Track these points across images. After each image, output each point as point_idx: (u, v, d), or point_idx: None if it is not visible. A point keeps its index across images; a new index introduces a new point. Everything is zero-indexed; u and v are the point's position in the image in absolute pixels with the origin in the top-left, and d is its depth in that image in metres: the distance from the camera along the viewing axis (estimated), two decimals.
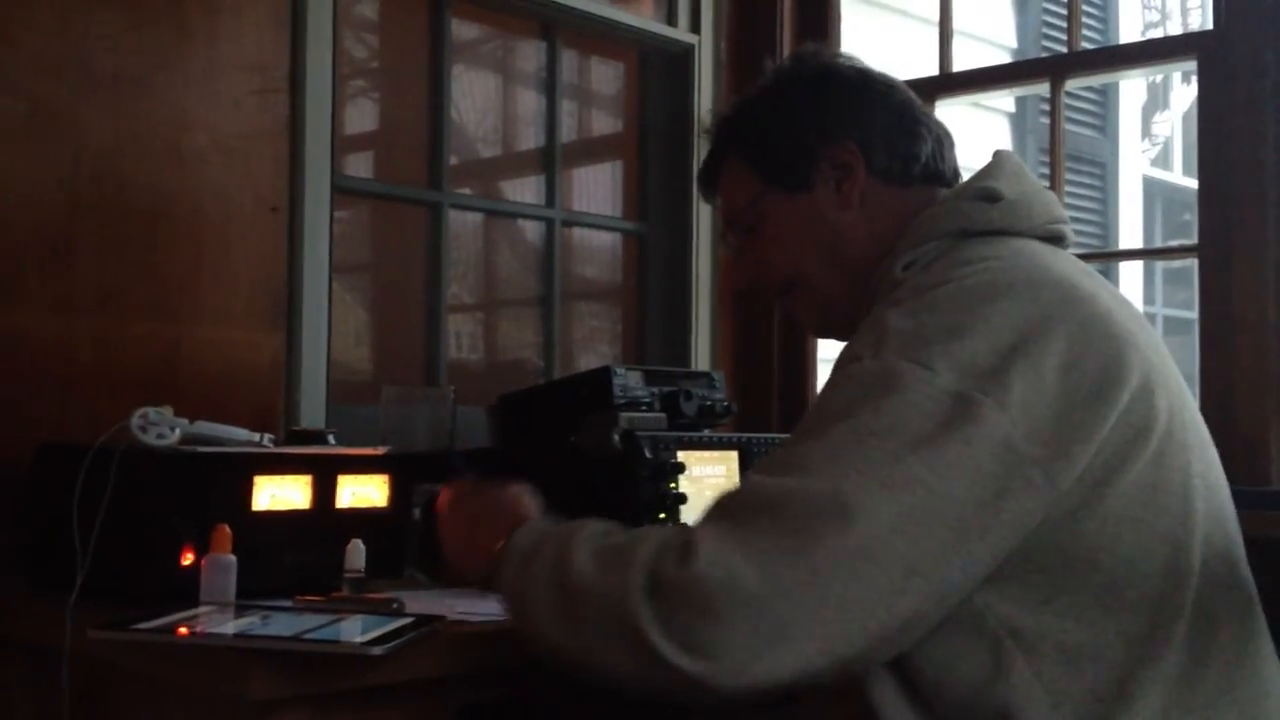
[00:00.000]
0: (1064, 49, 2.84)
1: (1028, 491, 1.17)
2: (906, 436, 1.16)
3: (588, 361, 3.04)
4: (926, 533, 1.14)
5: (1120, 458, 1.22)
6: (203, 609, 1.40)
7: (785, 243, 1.54)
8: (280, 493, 1.62)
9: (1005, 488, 1.16)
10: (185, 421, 1.62)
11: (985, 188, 1.41)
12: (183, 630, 1.29)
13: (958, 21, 2.98)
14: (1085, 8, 6.39)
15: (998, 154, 1.49)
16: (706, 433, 2.11)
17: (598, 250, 3.14)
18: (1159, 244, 8.07)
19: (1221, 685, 1.25)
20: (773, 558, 1.11)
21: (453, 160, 2.82)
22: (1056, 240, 1.43)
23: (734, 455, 2.04)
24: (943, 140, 1.55)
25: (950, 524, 1.14)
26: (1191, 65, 2.56)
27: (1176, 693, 1.22)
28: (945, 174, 1.54)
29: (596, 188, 3.18)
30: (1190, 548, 1.27)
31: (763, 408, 3.05)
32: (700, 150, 3.02)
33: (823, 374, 3.03)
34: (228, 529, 1.46)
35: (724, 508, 1.20)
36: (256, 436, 1.71)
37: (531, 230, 2.95)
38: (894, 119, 1.53)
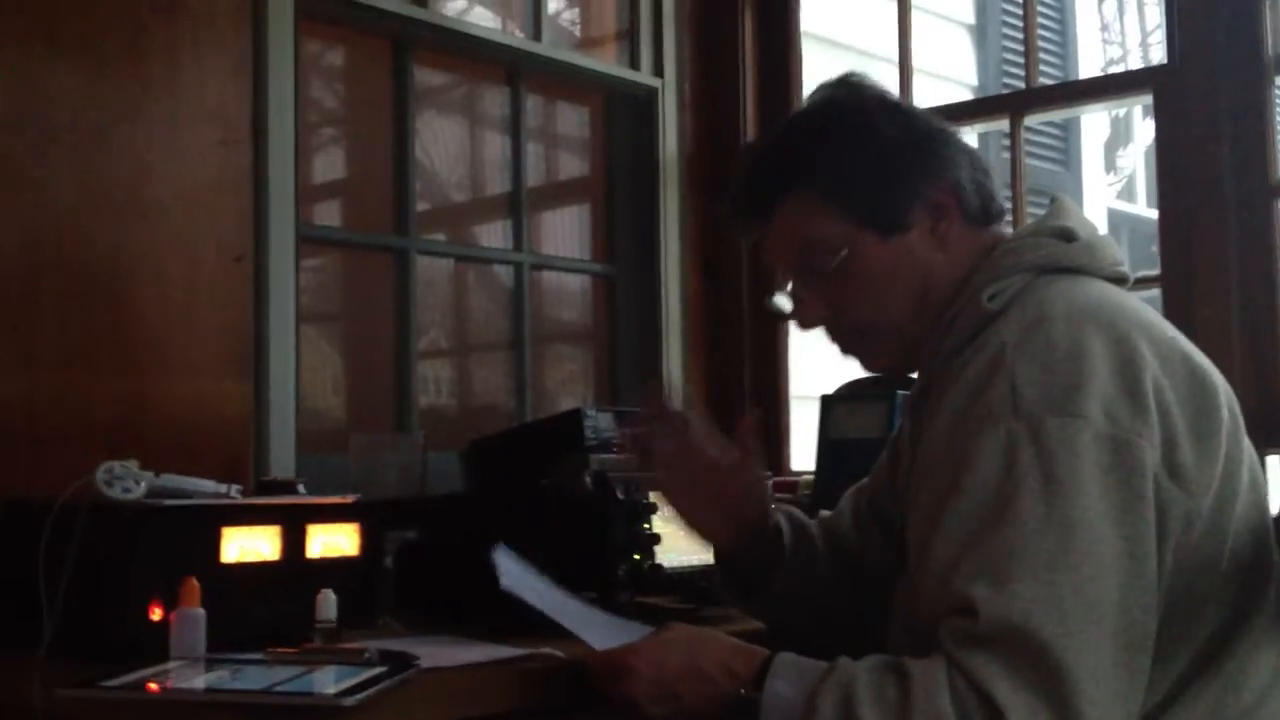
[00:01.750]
0: (1023, 85, 2.87)
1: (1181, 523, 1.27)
2: (1096, 510, 1.21)
3: (560, 404, 3.03)
4: (1141, 599, 1.22)
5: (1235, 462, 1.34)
6: (172, 664, 1.38)
7: (876, 287, 1.47)
8: (249, 544, 1.61)
9: (1167, 532, 1.26)
10: (151, 475, 1.60)
11: (1061, 227, 1.44)
12: (153, 686, 1.27)
13: (917, 59, 3.01)
14: (1045, 44, 6.46)
15: (1060, 198, 1.52)
16: None
17: (568, 293, 3.14)
18: None
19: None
20: (1066, 697, 1.16)
21: (422, 206, 2.82)
22: (1121, 281, 1.46)
23: None
24: (995, 180, 1.56)
25: (1151, 574, 1.24)
26: (1149, 99, 2.59)
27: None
28: (1004, 212, 1.55)
29: (565, 230, 3.20)
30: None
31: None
32: (667, 191, 3.04)
33: (796, 414, 3.04)
34: (196, 582, 1.44)
35: (983, 643, 1.18)
36: (224, 488, 1.69)
37: (501, 274, 2.96)
38: (968, 160, 1.51)
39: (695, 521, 1.70)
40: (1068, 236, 1.43)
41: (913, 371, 1.55)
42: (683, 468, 1.65)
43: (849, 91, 1.53)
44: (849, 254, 1.46)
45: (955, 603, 1.22)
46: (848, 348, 1.54)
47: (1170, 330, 1.38)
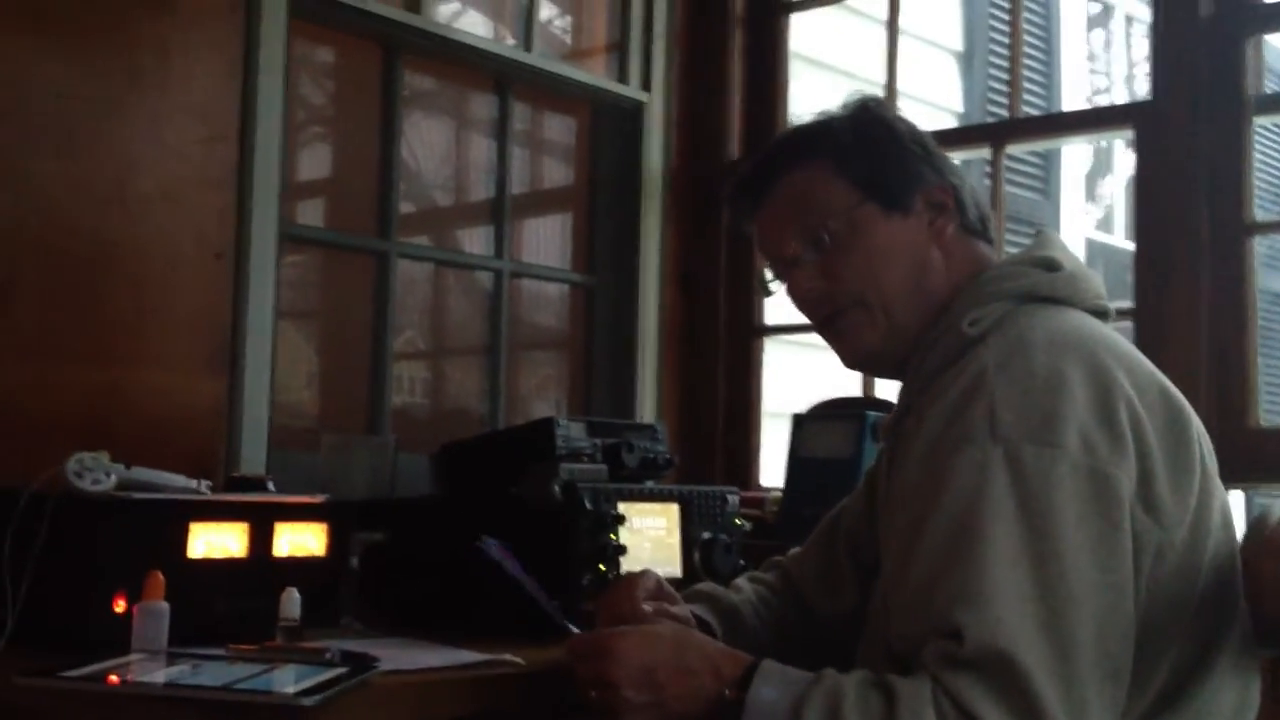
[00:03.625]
0: (1007, 114, 2.90)
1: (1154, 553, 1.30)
2: (1073, 541, 1.24)
3: (533, 411, 3.04)
4: (1117, 631, 1.25)
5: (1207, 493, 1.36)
6: (134, 657, 1.38)
7: (870, 260, 1.49)
8: (216, 540, 1.61)
9: (1140, 565, 1.28)
10: (121, 467, 1.61)
11: (1045, 257, 1.47)
12: (113, 679, 1.27)
13: (904, 84, 3.04)
14: (1030, 73, 6.51)
15: (1044, 231, 1.57)
16: (648, 484, 2.12)
17: (546, 300, 3.15)
18: None
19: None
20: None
21: (406, 208, 2.83)
22: (1102, 314, 1.48)
23: (675, 508, 2.05)
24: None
25: (1129, 606, 1.27)
26: (1130, 134, 2.62)
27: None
28: (993, 237, 1.59)
29: (546, 239, 3.21)
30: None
31: (706, 460, 3.06)
32: (649, 204, 3.06)
33: (768, 428, 3.05)
34: (161, 576, 1.44)
35: (968, 667, 1.20)
36: (194, 483, 1.70)
37: (481, 279, 2.97)
38: (965, 177, 1.58)
39: None
40: (1051, 267, 1.46)
41: (889, 368, 1.56)
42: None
43: (869, 101, 1.61)
44: (852, 221, 1.50)
45: (938, 624, 1.23)
46: (835, 327, 1.54)
47: (1148, 364, 1.40)
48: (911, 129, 1.58)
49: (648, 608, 1.55)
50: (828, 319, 1.54)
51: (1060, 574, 1.22)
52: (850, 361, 1.58)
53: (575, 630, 1.52)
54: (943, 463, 1.30)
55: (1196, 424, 1.38)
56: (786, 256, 1.54)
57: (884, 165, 1.52)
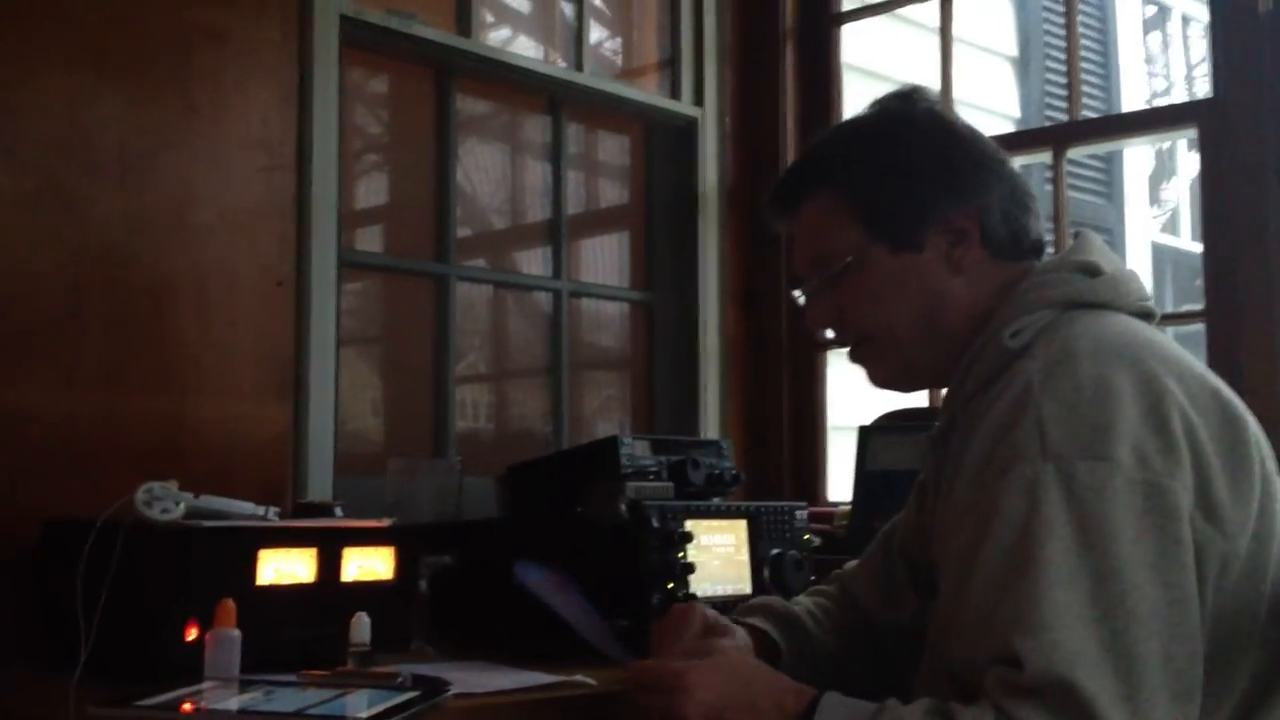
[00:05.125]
0: (1066, 118, 2.86)
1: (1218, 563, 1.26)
2: (1132, 558, 1.20)
3: (597, 430, 3.03)
4: (1185, 648, 1.20)
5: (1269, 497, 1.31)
6: (206, 685, 1.39)
7: (880, 299, 1.47)
8: (285, 566, 1.62)
9: (1205, 576, 1.24)
10: (190, 496, 1.62)
11: (1086, 262, 1.42)
12: (187, 707, 1.28)
13: (959, 92, 3.01)
14: (1088, 77, 6.44)
15: (1085, 233, 1.51)
16: (715, 501, 2.10)
17: (606, 320, 3.15)
18: (1170, 309, 8.09)
19: None
20: None
21: (463, 232, 2.84)
22: (1147, 317, 1.44)
23: (743, 524, 2.03)
24: (1039, 215, 1.54)
25: (1194, 620, 1.22)
26: (1194, 133, 2.57)
27: None
28: (1043, 248, 1.52)
29: (604, 258, 3.20)
30: None
31: (773, 476, 3.04)
32: (706, 221, 3.05)
33: (834, 441, 3.03)
34: (232, 604, 1.44)
35: (1029, 695, 1.17)
36: (261, 510, 1.71)
37: (540, 300, 2.97)
38: (1008, 190, 1.49)
39: None
40: (1092, 271, 1.41)
41: (921, 385, 1.55)
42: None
43: (902, 103, 1.54)
44: (855, 261, 1.47)
45: (999, 652, 1.20)
46: (853, 356, 1.54)
47: (1198, 366, 1.36)
48: (937, 143, 1.49)
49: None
50: (848, 347, 1.54)
51: (1121, 592, 1.19)
52: (876, 385, 1.56)
53: (619, 653, 1.51)
54: (994, 484, 1.27)
55: (1253, 425, 1.33)
56: (804, 281, 1.55)
57: (894, 201, 1.46)
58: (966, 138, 1.51)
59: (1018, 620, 1.19)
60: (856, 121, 1.57)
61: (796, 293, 1.59)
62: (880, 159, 1.49)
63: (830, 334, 1.56)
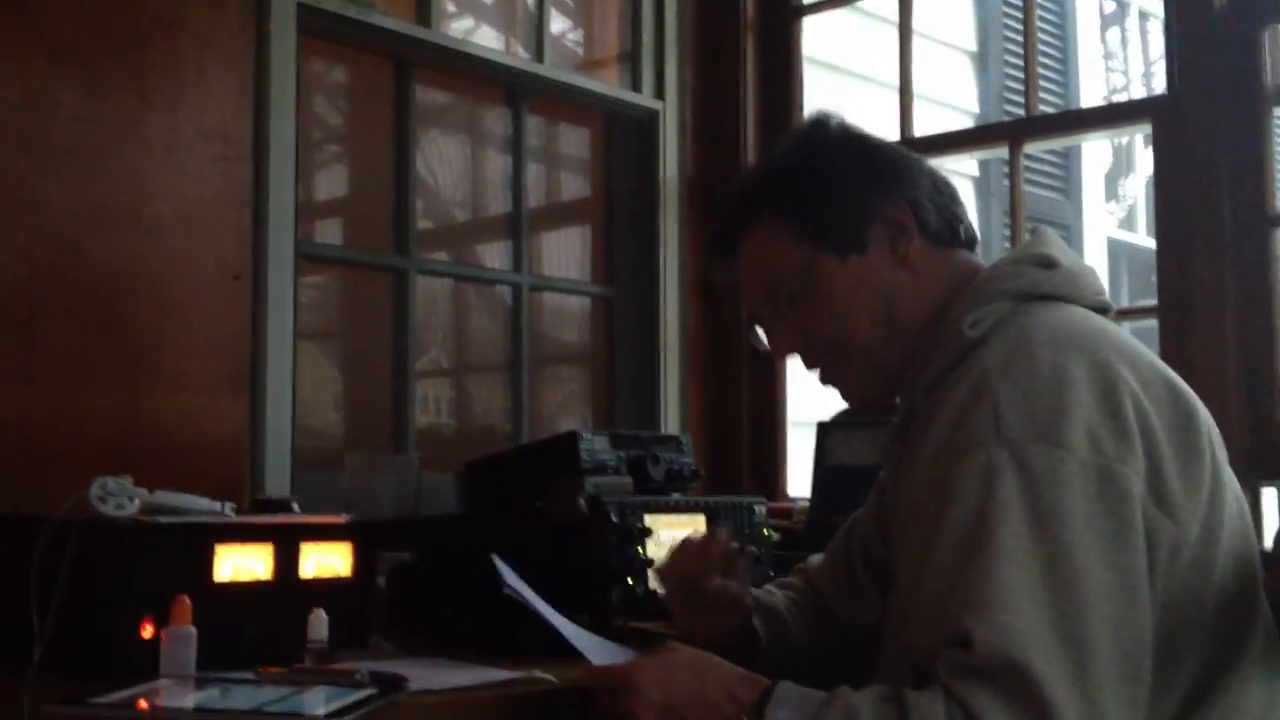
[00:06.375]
0: (1024, 113, 2.88)
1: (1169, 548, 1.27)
2: (1083, 542, 1.21)
3: (557, 426, 3.03)
4: (1134, 631, 1.22)
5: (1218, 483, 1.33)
6: (162, 682, 1.38)
7: (837, 308, 1.49)
8: (242, 562, 1.60)
9: (1155, 562, 1.26)
10: (145, 491, 1.60)
11: (1043, 255, 1.45)
12: (142, 704, 1.27)
13: (919, 85, 3.02)
14: (1046, 72, 6.47)
15: (1042, 228, 1.55)
16: (674, 496, 2.10)
17: (567, 314, 3.15)
18: (1125, 304, 8.16)
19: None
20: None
21: (423, 224, 2.83)
22: (1103, 311, 1.46)
23: (701, 519, 2.03)
24: (964, 206, 1.58)
25: (1144, 604, 1.24)
26: (1149, 128, 2.59)
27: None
28: (975, 239, 1.56)
29: (565, 252, 3.20)
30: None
31: (733, 471, 3.04)
32: (667, 214, 3.05)
33: (793, 436, 3.04)
34: (187, 600, 1.43)
35: (978, 676, 1.18)
36: (218, 505, 1.69)
37: (501, 294, 2.96)
38: (930, 183, 1.53)
39: (684, 628, 1.70)
40: (1049, 264, 1.44)
41: (894, 396, 1.55)
42: (691, 591, 1.66)
43: (814, 127, 1.59)
44: (808, 277, 1.49)
45: (951, 632, 1.22)
46: (825, 377, 1.56)
47: (1152, 357, 1.39)
48: (855, 150, 1.54)
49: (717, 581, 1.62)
50: (818, 371, 1.56)
51: (1071, 575, 1.20)
52: (853, 406, 1.58)
53: (594, 655, 1.52)
54: (950, 469, 1.28)
55: (1205, 415, 1.36)
56: (762, 317, 1.57)
57: (830, 210, 1.50)
58: (881, 143, 1.57)
59: (970, 601, 1.21)
60: (775, 154, 1.62)
61: (757, 329, 1.61)
62: (807, 176, 1.53)
63: (798, 359, 1.58)
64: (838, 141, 1.55)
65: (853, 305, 1.48)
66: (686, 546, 1.68)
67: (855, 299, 1.48)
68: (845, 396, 1.57)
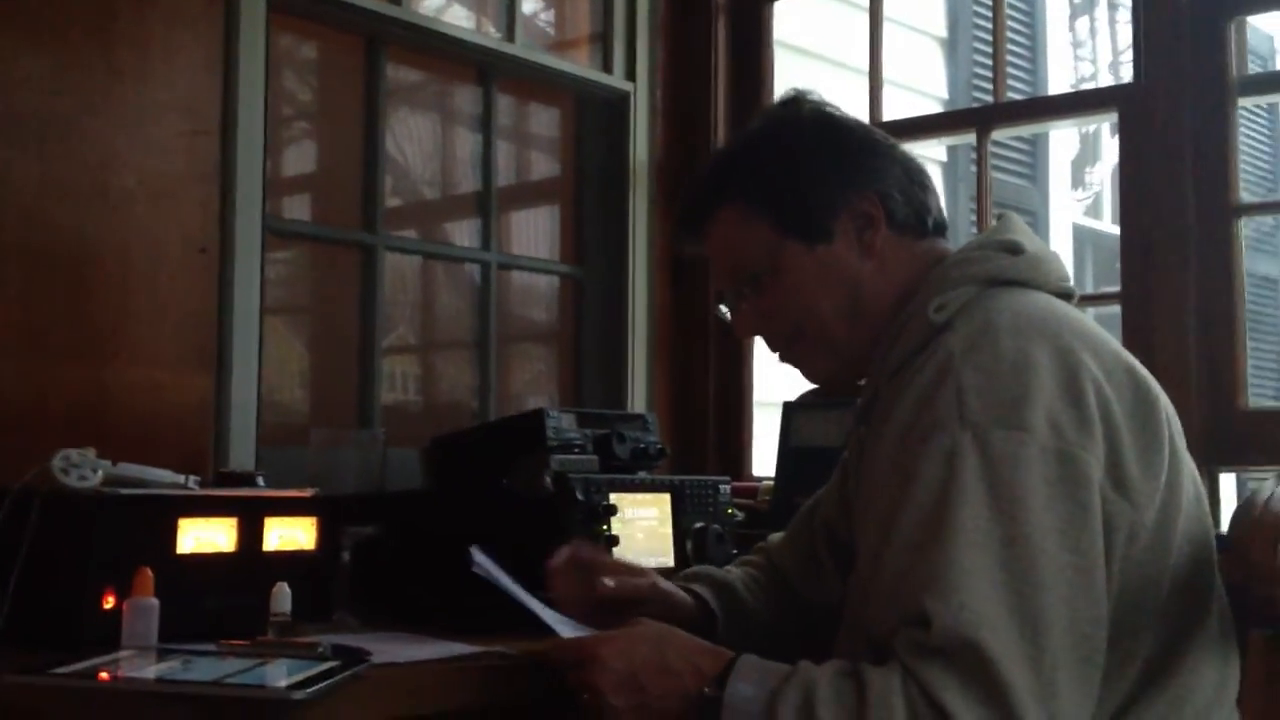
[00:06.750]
0: (992, 100, 2.90)
1: (1126, 532, 1.30)
2: (1042, 525, 1.23)
3: (524, 404, 3.04)
4: (1090, 613, 1.24)
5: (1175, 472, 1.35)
6: (124, 653, 1.38)
7: (800, 295, 1.50)
8: (205, 535, 1.60)
9: (1112, 545, 1.28)
10: (108, 463, 1.60)
11: (1008, 241, 1.46)
12: (103, 675, 1.27)
13: (888, 71, 3.03)
14: (1015, 59, 6.50)
15: (1008, 214, 1.56)
16: (640, 475, 2.12)
17: (535, 293, 3.15)
18: (1090, 291, 8.21)
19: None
20: (1014, 711, 1.17)
21: (392, 202, 2.83)
22: (1066, 296, 1.48)
23: (666, 498, 2.05)
24: (936, 194, 1.59)
25: (1100, 587, 1.25)
26: (1115, 117, 2.62)
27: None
28: (945, 226, 1.57)
29: (534, 231, 3.20)
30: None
31: (698, 450, 3.06)
32: (637, 195, 3.05)
33: (759, 417, 3.05)
34: (149, 572, 1.43)
35: (935, 655, 1.19)
36: (181, 479, 1.69)
37: (470, 272, 2.96)
38: (902, 171, 1.54)
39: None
40: (1014, 250, 1.45)
41: (856, 378, 1.57)
42: (596, 608, 1.63)
43: (786, 108, 1.59)
44: (773, 263, 1.51)
45: (909, 612, 1.23)
46: (786, 358, 1.58)
47: (1114, 344, 1.41)
48: (826, 136, 1.54)
49: (609, 582, 1.61)
50: (779, 352, 1.57)
51: (1029, 557, 1.22)
52: (814, 383, 1.61)
53: (562, 629, 1.53)
54: (913, 451, 1.30)
55: (1164, 402, 1.38)
56: (727, 294, 1.58)
57: (798, 199, 1.51)
58: (855, 128, 1.57)
59: (928, 582, 1.22)
60: (747, 133, 1.62)
61: (721, 308, 1.62)
62: (777, 160, 1.53)
63: (760, 340, 1.60)
64: (810, 126, 1.55)
65: (816, 293, 1.50)
66: (553, 577, 1.65)
67: (819, 287, 1.50)
68: (807, 377, 1.59)
